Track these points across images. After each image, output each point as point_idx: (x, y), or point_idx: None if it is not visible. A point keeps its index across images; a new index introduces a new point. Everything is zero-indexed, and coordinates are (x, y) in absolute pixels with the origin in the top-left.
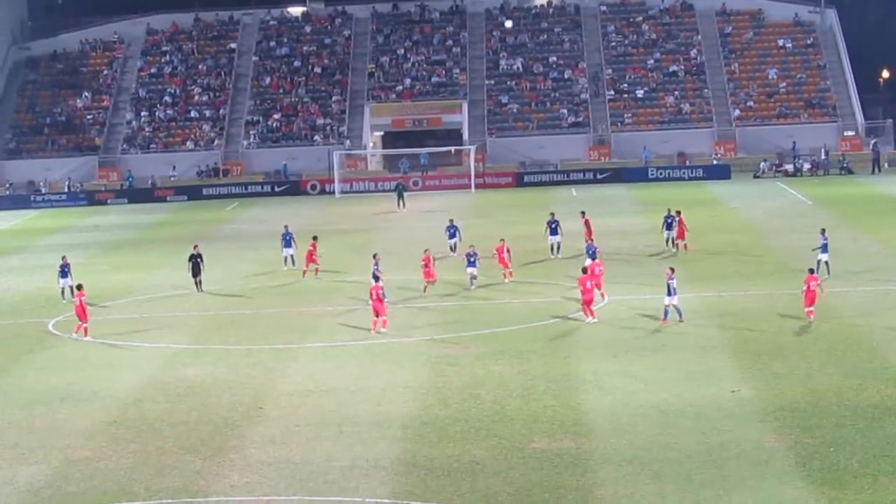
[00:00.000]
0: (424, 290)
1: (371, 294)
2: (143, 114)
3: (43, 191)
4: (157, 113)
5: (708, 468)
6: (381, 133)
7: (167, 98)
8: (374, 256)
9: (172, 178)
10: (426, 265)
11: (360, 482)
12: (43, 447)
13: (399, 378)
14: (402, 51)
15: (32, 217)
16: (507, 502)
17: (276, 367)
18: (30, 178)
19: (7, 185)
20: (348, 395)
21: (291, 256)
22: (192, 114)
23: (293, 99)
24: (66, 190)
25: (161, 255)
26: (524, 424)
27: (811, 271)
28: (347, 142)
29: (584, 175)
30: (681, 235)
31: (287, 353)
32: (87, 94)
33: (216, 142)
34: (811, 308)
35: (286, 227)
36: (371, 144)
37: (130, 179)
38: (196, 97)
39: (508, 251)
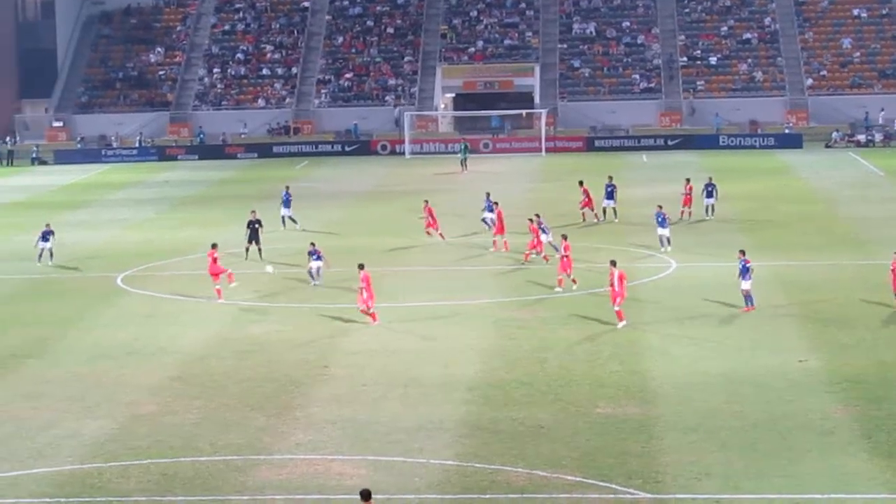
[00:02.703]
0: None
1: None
2: (215, 70)
3: (114, 145)
4: (228, 70)
5: (773, 438)
6: (453, 95)
7: (239, 55)
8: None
9: (243, 136)
10: (430, 216)
11: (424, 443)
12: (108, 401)
13: (466, 340)
14: (475, 13)
15: (103, 171)
16: (572, 467)
17: (342, 327)
18: (101, 132)
19: (78, 140)
20: (414, 356)
21: (291, 217)
22: (264, 71)
23: (365, 59)
24: (136, 145)
25: (230, 212)
26: (590, 389)
27: None
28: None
29: (654, 141)
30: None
31: (355, 312)
32: (159, 49)
33: (287, 100)
34: None
35: (287, 187)
36: (442, 106)
37: (201, 136)
38: (268, 55)
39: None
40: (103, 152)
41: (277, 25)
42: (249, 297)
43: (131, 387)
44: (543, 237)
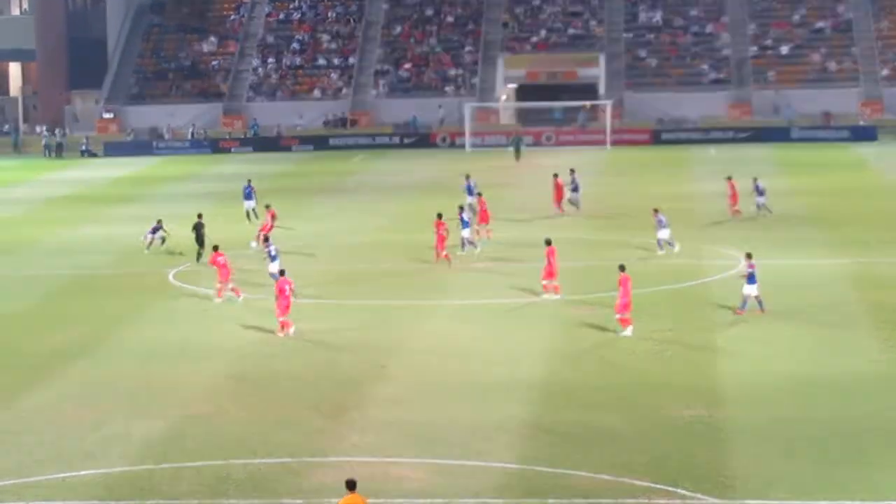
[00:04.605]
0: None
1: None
2: (269, 60)
3: (166, 137)
4: (283, 60)
5: (846, 443)
6: (515, 86)
7: (295, 45)
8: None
9: (298, 128)
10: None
11: (484, 446)
12: (159, 402)
13: (529, 339)
14: (538, 1)
15: (154, 164)
16: (638, 471)
17: (401, 325)
18: (152, 124)
19: (129, 132)
20: (475, 355)
21: (253, 210)
22: (320, 61)
23: (424, 49)
24: (189, 137)
25: (285, 206)
26: (656, 391)
27: None
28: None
29: (723, 134)
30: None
31: (414, 310)
32: (213, 39)
33: (344, 91)
34: None
35: (249, 181)
36: (504, 97)
37: (255, 128)
38: (324, 45)
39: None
40: (155, 145)
41: (334, 14)
42: (305, 293)
43: (183, 387)
44: (660, 233)
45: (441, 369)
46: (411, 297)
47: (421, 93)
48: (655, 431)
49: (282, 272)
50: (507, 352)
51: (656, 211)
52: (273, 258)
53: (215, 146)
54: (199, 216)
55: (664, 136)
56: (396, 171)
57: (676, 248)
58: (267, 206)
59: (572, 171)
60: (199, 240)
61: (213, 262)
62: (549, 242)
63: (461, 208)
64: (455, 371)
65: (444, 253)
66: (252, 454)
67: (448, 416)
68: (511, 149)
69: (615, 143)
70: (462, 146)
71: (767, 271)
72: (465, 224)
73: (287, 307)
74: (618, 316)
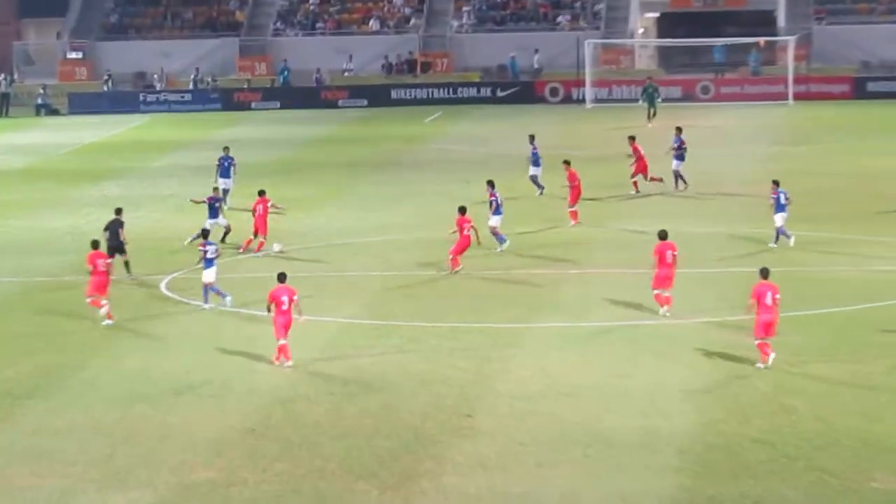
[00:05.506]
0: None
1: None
2: None
3: (157, 87)
4: None
5: None
6: (656, 15)
7: None
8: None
9: (347, 74)
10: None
11: None
12: (147, 463)
13: (673, 377)
14: None
15: (141, 124)
16: None
17: (492, 356)
18: (138, 68)
19: (106, 78)
20: (598, 399)
21: (225, 191)
22: None
23: None
24: (190, 87)
25: (326, 187)
26: (859, 453)
27: None
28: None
29: None
30: None
31: (509, 334)
32: None
33: (412, 22)
34: None
35: (226, 149)
36: (640, 31)
37: (285, 74)
38: None
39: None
40: (142, 98)
41: None
42: (354, 310)
43: (181, 442)
44: (777, 216)
45: (550, 420)
46: (507, 316)
47: (522, 25)
48: None
49: (281, 277)
50: (643, 395)
51: (776, 185)
52: (208, 262)
53: (228, 100)
54: (118, 212)
55: (870, 86)
56: (486, 137)
57: (791, 241)
58: (261, 193)
59: (679, 129)
60: (118, 245)
61: (91, 264)
62: (663, 236)
63: (491, 185)
64: (570, 422)
65: (453, 257)
66: None
67: (560, 487)
68: (642, 102)
69: (800, 96)
70: (580, 100)
71: None
72: (497, 208)
73: (285, 326)
74: (757, 341)
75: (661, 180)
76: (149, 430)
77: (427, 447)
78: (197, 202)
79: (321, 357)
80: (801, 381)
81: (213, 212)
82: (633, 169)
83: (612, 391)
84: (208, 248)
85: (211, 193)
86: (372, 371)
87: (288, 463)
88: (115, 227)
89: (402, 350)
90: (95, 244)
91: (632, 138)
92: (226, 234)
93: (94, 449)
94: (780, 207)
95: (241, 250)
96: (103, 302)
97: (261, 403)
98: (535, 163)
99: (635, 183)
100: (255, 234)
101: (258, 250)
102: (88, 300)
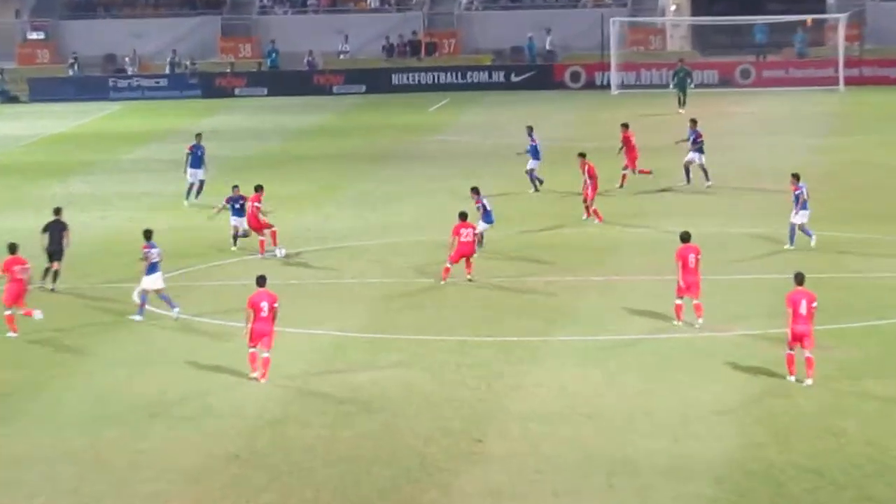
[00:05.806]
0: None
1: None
2: None
3: (129, 71)
4: None
5: None
6: None
7: None
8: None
9: (342, 57)
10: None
11: None
12: (119, 494)
13: (706, 395)
14: None
15: (111, 113)
16: None
17: (504, 373)
18: (108, 50)
19: (71, 61)
20: (623, 421)
21: (201, 182)
22: None
23: None
24: (166, 71)
25: (318, 183)
26: None
27: None
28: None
29: None
30: None
31: (524, 348)
32: None
33: None
34: None
35: (198, 136)
36: (673, 8)
37: (273, 56)
38: None
39: None
40: (112, 83)
41: None
42: (351, 322)
43: (156, 470)
44: (796, 215)
45: (570, 444)
46: (520, 328)
47: (539, 2)
48: None
49: (261, 281)
50: (675, 416)
51: (797, 178)
52: (152, 267)
53: (209, 85)
54: (58, 212)
55: None
56: (498, 127)
57: (813, 241)
58: (257, 189)
59: (693, 122)
60: (57, 251)
61: (7, 271)
62: (685, 238)
63: (476, 192)
64: (592, 447)
65: (448, 266)
66: None
67: None
68: (673, 87)
69: (852, 81)
70: (604, 86)
71: None
72: (486, 215)
73: (261, 334)
74: (787, 352)
75: (650, 173)
76: (120, 456)
77: (432, 475)
78: (218, 210)
79: (314, 373)
80: (849, 400)
81: (237, 211)
82: (624, 160)
83: (638, 411)
84: (152, 251)
85: (231, 193)
86: (370, 390)
87: (276, 493)
88: (56, 230)
89: (405, 366)
90: (13, 248)
91: (625, 126)
92: (239, 236)
93: (59, 478)
94: (802, 204)
95: (261, 255)
96: (23, 311)
97: (245, 426)
98: (535, 156)
99: (624, 176)
100: (259, 233)
101: (262, 252)
102: (7, 313)
